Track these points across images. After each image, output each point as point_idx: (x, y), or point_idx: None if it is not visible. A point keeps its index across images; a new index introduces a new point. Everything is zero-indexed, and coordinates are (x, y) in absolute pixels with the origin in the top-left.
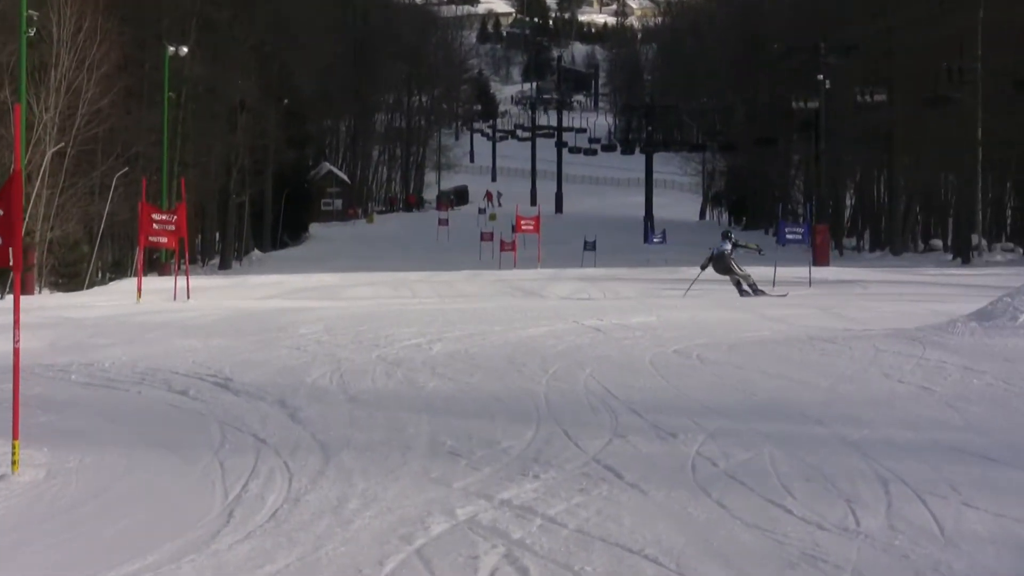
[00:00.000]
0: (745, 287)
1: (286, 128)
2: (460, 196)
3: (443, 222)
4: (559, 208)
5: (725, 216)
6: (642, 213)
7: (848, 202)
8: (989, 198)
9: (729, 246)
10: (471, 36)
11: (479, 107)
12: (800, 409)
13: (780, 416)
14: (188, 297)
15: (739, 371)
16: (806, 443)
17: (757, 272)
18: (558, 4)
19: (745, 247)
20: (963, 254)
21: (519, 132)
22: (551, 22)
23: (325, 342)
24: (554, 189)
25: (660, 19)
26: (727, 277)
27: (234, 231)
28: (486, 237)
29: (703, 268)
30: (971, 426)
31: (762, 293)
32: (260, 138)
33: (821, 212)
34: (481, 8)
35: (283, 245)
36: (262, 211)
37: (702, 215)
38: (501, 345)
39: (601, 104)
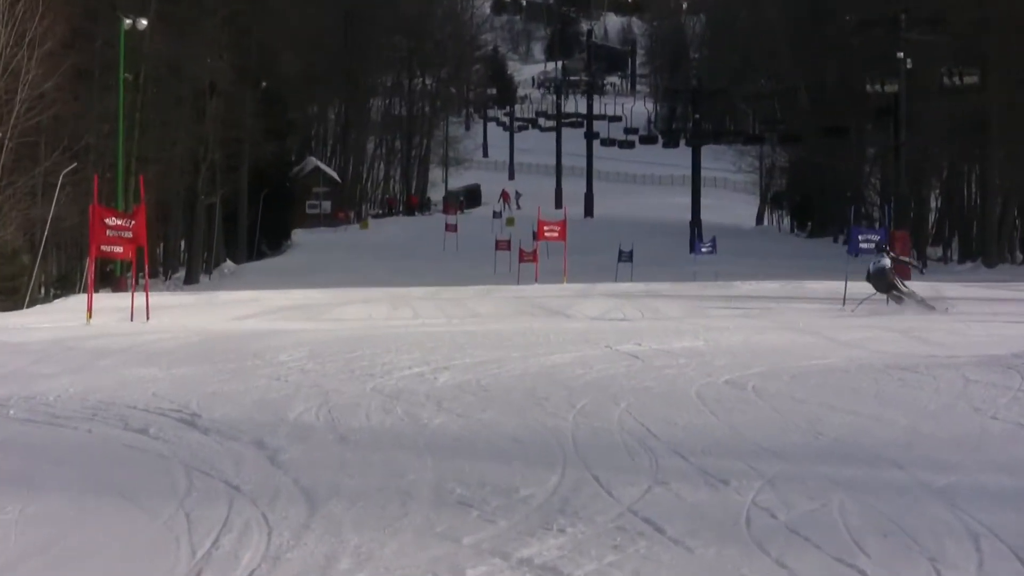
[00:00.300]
0: (915, 301)
1: (264, 116)
2: (471, 197)
3: (451, 228)
4: (589, 211)
5: (786, 220)
6: (688, 217)
7: (933, 204)
8: None
9: (888, 261)
10: (484, 6)
11: (494, 91)
12: (875, 451)
13: (851, 459)
14: (148, 317)
15: (802, 406)
16: (882, 491)
17: (828, 286)
18: None
19: (907, 262)
20: None
21: (542, 121)
22: None
23: (310, 371)
24: (583, 189)
25: None
26: (886, 295)
27: (203, 238)
28: (502, 246)
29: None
30: None
31: (931, 308)
32: (233, 128)
33: (901, 216)
34: None
35: (261, 255)
36: (236, 215)
37: (759, 219)
38: (520, 375)
39: (639, 87)
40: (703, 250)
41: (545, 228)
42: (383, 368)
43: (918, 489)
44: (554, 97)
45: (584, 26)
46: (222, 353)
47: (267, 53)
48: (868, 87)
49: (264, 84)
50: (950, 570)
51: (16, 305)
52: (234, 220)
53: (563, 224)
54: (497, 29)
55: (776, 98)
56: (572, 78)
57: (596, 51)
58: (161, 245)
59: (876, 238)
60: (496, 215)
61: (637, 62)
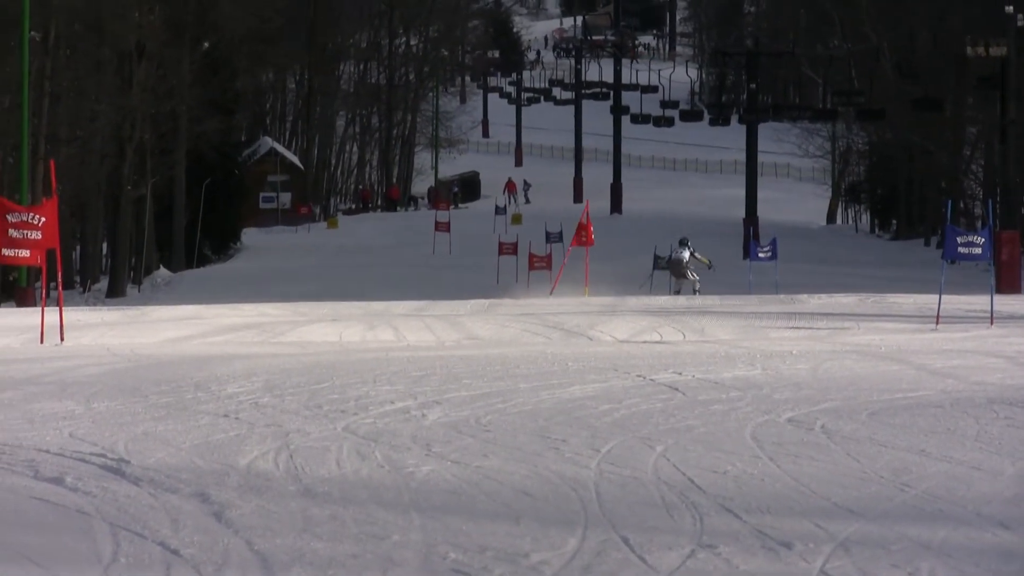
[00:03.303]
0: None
1: (206, 85)
2: (468, 187)
3: (442, 226)
4: (616, 206)
5: (865, 218)
6: (741, 214)
7: None
8: None
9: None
10: None
11: (496, 54)
12: (975, 507)
13: (945, 517)
14: (62, 339)
15: (885, 451)
16: (984, 556)
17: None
18: None
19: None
20: None
21: (557, 92)
22: None
23: (266, 406)
24: (609, 178)
25: None
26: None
27: (130, 240)
28: (507, 249)
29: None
30: None
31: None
32: (167, 100)
33: (1009, 213)
34: None
35: (203, 261)
36: (171, 210)
37: (831, 217)
38: (530, 412)
39: (680, 50)
40: (761, 255)
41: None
42: (358, 403)
43: None
44: (572, 62)
45: None
46: (155, 384)
47: (208, 4)
48: (969, 50)
49: (206, 44)
50: None
51: None
52: (169, 217)
53: (587, 225)
54: None
55: (853, 63)
56: (595, 38)
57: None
58: (77, 248)
59: (979, 241)
60: (499, 211)
61: (677, 17)
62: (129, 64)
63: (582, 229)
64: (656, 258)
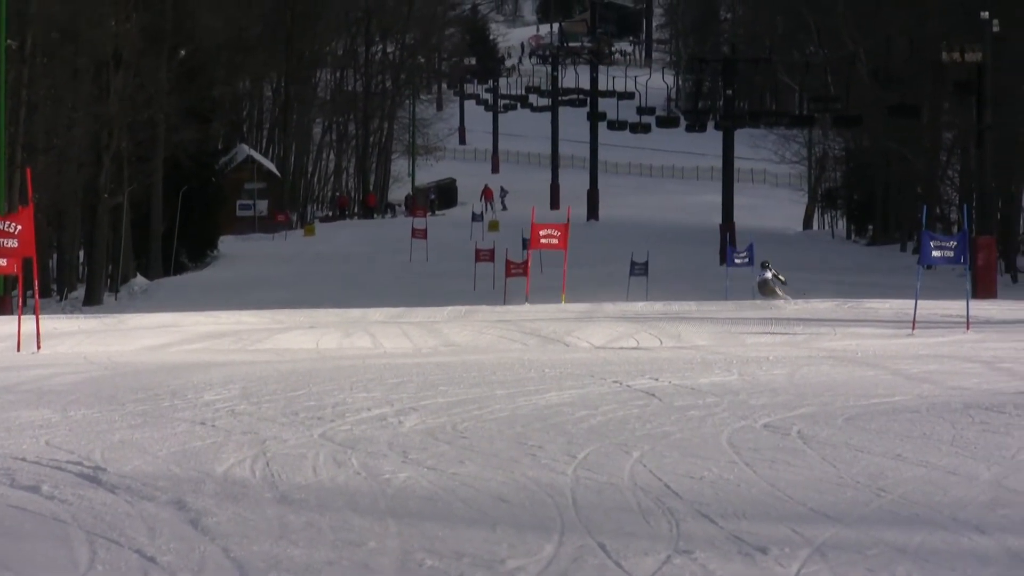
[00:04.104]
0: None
1: (183, 93)
2: (445, 194)
3: (419, 233)
4: (593, 212)
5: (842, 223)
6: (717, 219)
7: None
8: None
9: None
10: None
11: (473, 61)
12: (951, 512)
13: (921, 522)
14: (39, 347)
15: (861, 456)
16: (960, 561)
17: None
18: None
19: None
20: None
21: (533, 99)
22: None
23: (243, 414)
24: (586, 184)
25: None
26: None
27: (106, 248)
28: (484, 256)
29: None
30: None
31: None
32: (144, 108)
33: (985, 218)
34: None
35: (180, 269)
36: (148, 218)
37: (807, 223)
38: (507, 418)
39: (657, 56)
40: (737, 261)
41: (541, 233)
42: (334, 410)
43: (1005, 558)
44: (549, 69)
45: None
46: (132, 392)
47: (186, 13)
48: (945, 55)
49: (182, 52)
50: None
51: None
52: (146, 225)
53: (565, 228)
54: None
55: (829, 70)
56: (572, 44)
57: (602, 10)
58: (54, 256)
59: (953, 245)
60: (476, 217)
61: (654, 24)
62: (106, 72)
63: (538, 231)
64: (632, 264)
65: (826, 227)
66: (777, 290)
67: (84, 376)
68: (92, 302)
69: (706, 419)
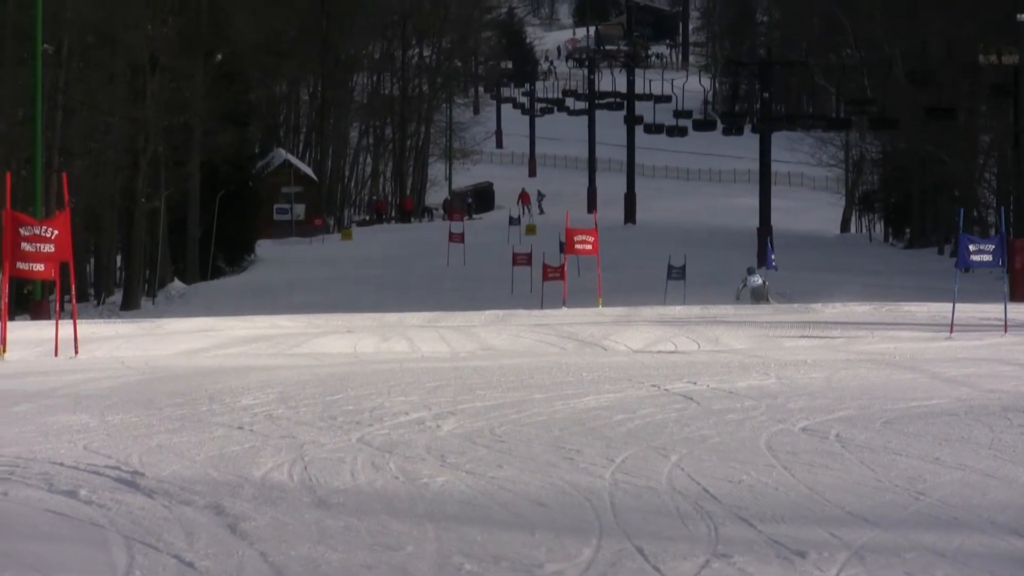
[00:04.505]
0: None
1: (220, 97)
2: (482, 199)
3: (456, 237)
4: (630, 216)
5: (879, 226)
6: (755, 223)
7: None
8: None
9: (760, 279)
10: None
11: (509, 64)
12: (989, 515)
13: (960, 525)
14: (76, 351)
15: (899, 459)
16: (998, 564)
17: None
18: None
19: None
20: None
21: (570, 102)
22: None
23: (280, 418)
24: (623, 187)
25: None
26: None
27: (144, 253)
28: (521, 260)
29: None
30: None
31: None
32: (180, 112)
33: (1022, 221)
34: None
35: (217, 273)
36: (185, 223)
37: (845, 226)
38: (544, 422)
39: (693, 59)
40: (774, 264)
41: (576, 239)
42: (372, 414)
43: None
44: (585, 72)
45: None
46: (169, 396)
47: (222, 17)
48: (981, 58)
49: (219, 56)
50: None
51: None
52: (183, 229)
53: (595, 233)
54: None
55: (866, 72)
56: (608, 48)
57: (638, 13)
58: (91, 261)
59: (991, 248)
60: (513, 221)
61: (690, 27)
62: (142, 76)
63: (572, 236)
64: (670, 268)
65: (863, 230)
66: (769, 296)
67: (121, 381)
68: (129, 307)
69: (744, 423)
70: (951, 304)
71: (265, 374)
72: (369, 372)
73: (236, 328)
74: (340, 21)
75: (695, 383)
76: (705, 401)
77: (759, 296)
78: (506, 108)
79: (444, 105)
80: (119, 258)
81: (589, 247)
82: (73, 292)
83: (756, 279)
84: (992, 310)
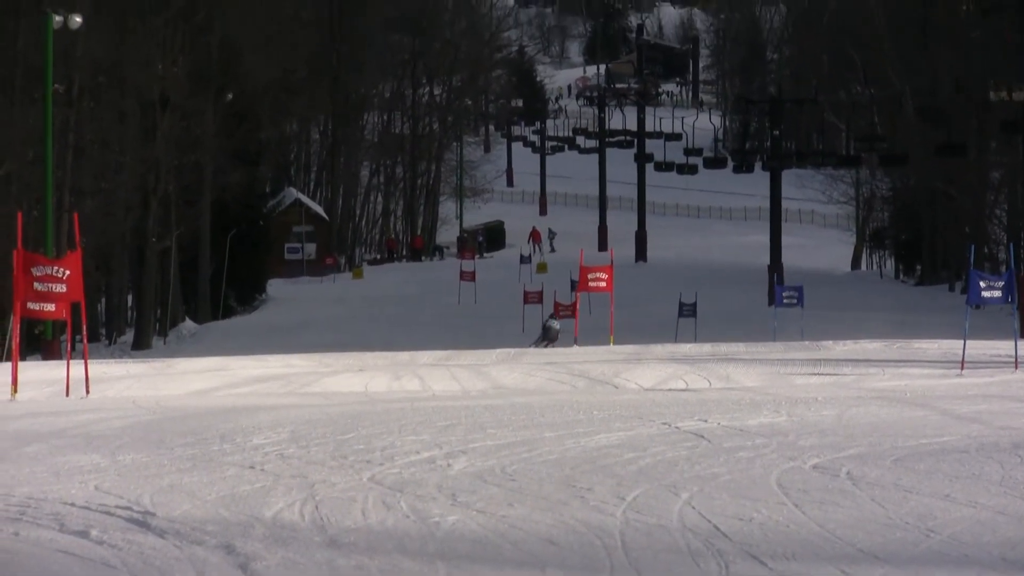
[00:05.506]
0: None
1: (231, 136)
2: (493, 237)
3: (467, 276)
4: (641, 254)
5: (890, 262)
6: (765, 260)
7: None
8: None
9: (558, 324)
10: None
11: (520, 103)
12: (1000, 552)
13: (971, 563)
14: (87, 391)
15: (910, 496)
16: None
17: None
18: None
19: None
20: None
21: (581, 140)
22: None
23: (292, 457)
24: (633, 225)
25: None
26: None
27: (155, 292)
28: (532, 298)
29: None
30: None
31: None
32: (191, 151)
33: None
34: None
35: (228, 312)
36: (196, 262)
37: (855, 263)
38: (556, 461)
39: (704, 97)
40: (786, 301)
41: (589, 276)
42: (383, 453)
43: None
44: (596, 110)
45: (633, 20)
46: (181, 436)
47: (233, 56)
48: (992, 94)
49: (230, 95)
50: None
51: None
52: (194, 269)
53: (610, 270)
54: (524, 24)
55: (876, 109)
56: (619, 86)
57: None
58: (103, 301)
59: (1001, 284)
60: (524, 260)
61: (700, 65)
62: (153, 115)
63: (586, 274)
64: (681, 305)
65: (874, 267)
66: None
67: (133, 420)
68: (141, 346)
69: (755, 460)
70: (962, 341)
71: (276, 413)
72: (380, 411)
73: (247, 367)
74: (350, 60)
75: (706, 420)
76: (716, 439)
77: (551, 337)
78: (517, 146)
79: (455, 143)
80: (130, 297)
81: (603, 284)
82: (84, 332)
83: (555, 323)
84: (1003, 347)
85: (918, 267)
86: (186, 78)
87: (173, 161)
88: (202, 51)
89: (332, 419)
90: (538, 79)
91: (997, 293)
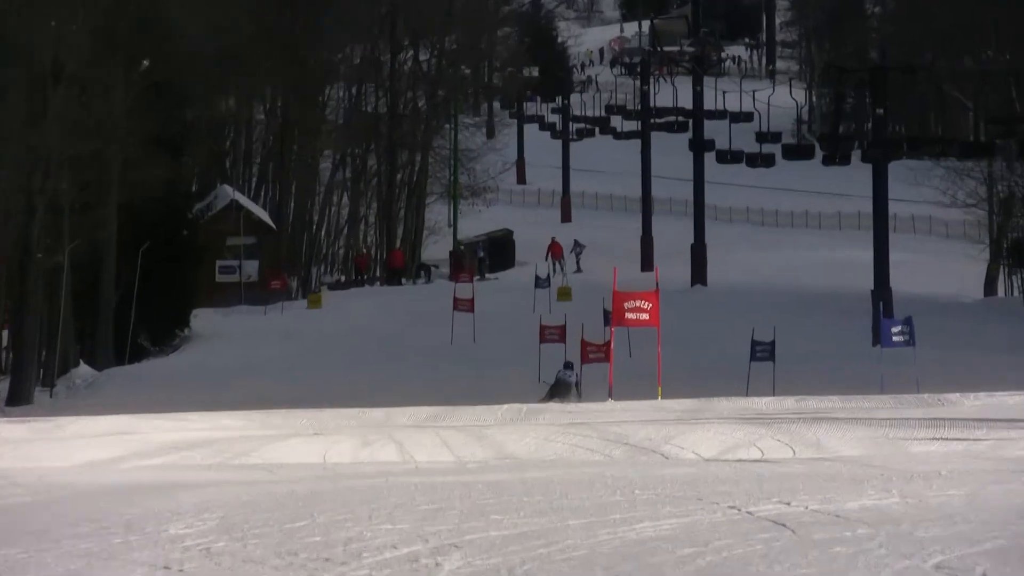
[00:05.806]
0: None
1: (145, 116)
2: (498, 251)
3: (463, 304)
4: (700, 274)
5: None
6: (869, 284)
7: None
8: None
9: (574, 377)
10: None
11: (535, 72)
12: None
13: None
14: None
15: None
16: None
17: None
18: None
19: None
20: None
21: (617, 122)
22: None
23: (222, 554)
24: (688, 237)
25: None
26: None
27: (39, 327)
28: (551, 335)
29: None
30: None
31: None
32: (92, 137)
33: None
34: None
35: (138, 354)
36: (97, 286)
37: (990, 287)
38: (584, 559)
39: (782, 64)
40: (895, 339)
41: (627, 305)
42: (347, 549)
43: None
44: (637, 82)
45: None
46: (71, 524)
47: (151, 10)
48: None
49: (145, 63)
50: None
51: None
52: (93, 295)
53: (655, 296)
54: None
55: (1015, 81)
56: (667, 49)
57: (707, 3)
58: None
59: None
60: (541, 283)
61: (777, 21)
62: (43, 89)
63: (622, 303)
64: (754, 345)
65: (1016, 292)
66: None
67: (4, 503)
68: (18, 400)
69: (856, 557)
70: None
71: (201, 493)
72: (344, 489)
73: (162, 430)
74: (309, 17)
75: (789, 504)
76: (803, 529)
77: (562, 392)
78: (531, 130)
79: (447, 127)
80: (5, 334)
81: (646, 317)
82: None
83: (571, 376)
84: None
85: None
86: (88, 39)
87: (68, 150)
88: (111, 5)
89: (278, 501)
90: (560, 40)
91: None
